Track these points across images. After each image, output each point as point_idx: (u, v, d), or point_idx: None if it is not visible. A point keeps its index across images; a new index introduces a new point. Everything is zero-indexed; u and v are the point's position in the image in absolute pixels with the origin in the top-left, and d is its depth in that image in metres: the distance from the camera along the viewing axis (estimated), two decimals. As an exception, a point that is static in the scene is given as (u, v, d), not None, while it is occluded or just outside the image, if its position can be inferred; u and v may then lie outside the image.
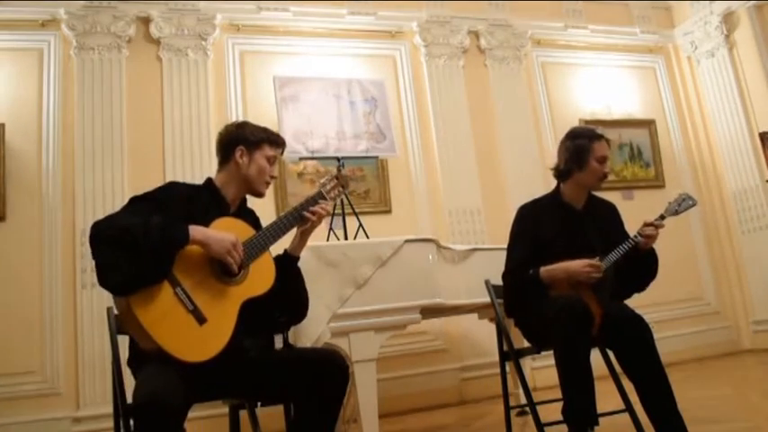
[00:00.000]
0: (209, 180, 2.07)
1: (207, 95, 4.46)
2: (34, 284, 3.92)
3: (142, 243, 1.66)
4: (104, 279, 1.66)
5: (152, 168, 4.22)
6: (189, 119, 4.36)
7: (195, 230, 1.77)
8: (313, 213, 2.02)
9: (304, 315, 2.12)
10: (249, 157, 2.03)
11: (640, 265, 2.47)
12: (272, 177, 2.08)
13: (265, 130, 2.10)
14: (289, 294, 2.05)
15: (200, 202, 1.97)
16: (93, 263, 1.70)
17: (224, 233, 1.81)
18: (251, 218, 2.09)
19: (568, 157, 2.53)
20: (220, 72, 4.61)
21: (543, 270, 2.42)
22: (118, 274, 1.65)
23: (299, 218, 2.02)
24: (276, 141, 2.09)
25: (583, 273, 2.35)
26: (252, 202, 2.18)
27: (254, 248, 1.90)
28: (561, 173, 2.57)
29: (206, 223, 1.85)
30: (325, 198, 2.08)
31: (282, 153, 2.14)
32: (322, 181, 2.13)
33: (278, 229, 1.96)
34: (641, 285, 2.54)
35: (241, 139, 2.04)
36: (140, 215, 1.75)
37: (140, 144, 4.28)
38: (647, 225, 2.40)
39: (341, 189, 2.14)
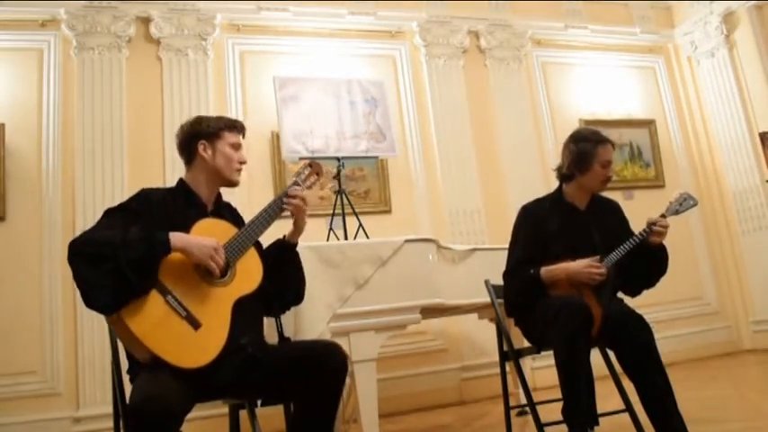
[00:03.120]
0: (181, 181, 2.05)
1: (207, 95, 4.46)
2: (34, 284, 3.92)
3: (123, 256, 1.63)
4: (90, 300, 1.63)
5: (152, 168, 4.23)
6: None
7: (175, 238, 1.74)
8: (292, 199, 2.00)
9: (300, 299, 2.14)
10: (212, 149, 2.01)
11: (652, 261, 2.45)
12: (242, 163, 2.06)
13: (221, 118, 2.09)
14: (286, 280, 2.06)
15: (176, 205, 1.95)
16: (76, 284, 1.65)
17: (204, 238, 1.79)
18: (230, 214, 2.08)
19: (572, 160, 2.51)
20: (220, 72, 4.61)
21: (544, 270, 2.42)
22: (104, 293, 1.62)
23: (279, 210, 2.00)
24: (235, 126, 2.07)
25: (584, 273, 2.34)
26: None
27: (238, 247, 1.89)
28: (564, 175, 2.56)
29: (186, 226, 1.83)
30: (300, 186, 2.08)
31: (244, 136, 2.12)
32: (297, 170, 2.13)
33: (259, 225, 1.94)
34: (650, 281, 2.52)
35: (200, 134, 2.02)
36: (117, 228, 1.73)
37: (140, 144, 4.28)
38: (654, 221, 2.39)
39: (316, 177, 2.14)
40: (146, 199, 1.93)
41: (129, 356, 1.81)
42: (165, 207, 1.91)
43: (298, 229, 2.09)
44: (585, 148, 2.48)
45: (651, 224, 2.38)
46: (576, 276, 2.36)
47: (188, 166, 2.05)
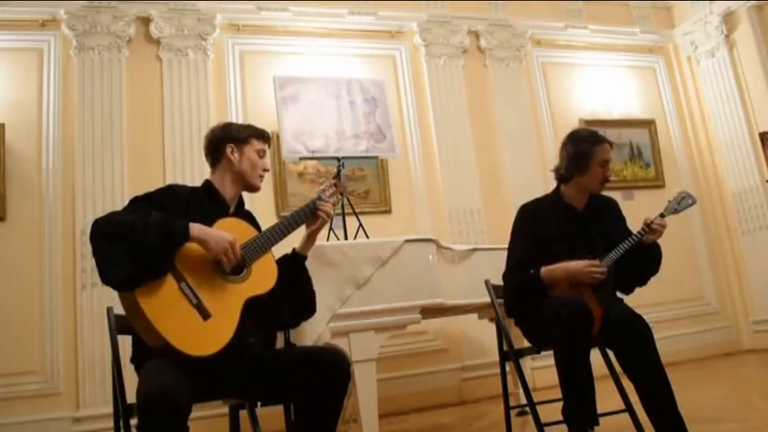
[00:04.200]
0: (207, 182, 2.10)
1: (207, 95, 4.46)
2: (34, 284, 3.92)
3: (142, 238, 1.67)
4: (106, 276, 1.67)
5: (152, 168, 4.23)
6: (189, 119, 4.36)
7: (194, 227, 1.79)
8: (324, 205, 2.09)
9: (312, 313, 2.15)
10: (240, 153, 2.08)
11: (644, 259, 2.46)
12: (265, 170, 2.14)
13: (250, 126, 2.17)
14: (298, 293, 2.08)
15: (200, 203, 2.00)
16: (94, 260, 1.71)
17: (223, 232, 1.83)
18: (249, 219, 2.12)
19: (569, 161, 2.51)
20: (220, 72, 4.61)
21: (544, 270, 2.42)
22: (119, 270, 1.66)
23: (302, 219, 2.06)
24: (262, 135, 2.15)
25: (584, 273, 2.35)
26: (253, 202, 2.20)
27: (257, 249, 1.93)
28: (562, 176, 2.56)
29: (207, 223, 1.87)
30: (323, 202, 2.13)
31: (270, 146, 2.20)
32: (322, 187, 2.18)
33: (279, 232, 1.99)
34: (642, 279, 2.53)
35: (229, 137, 2.10)
36: (144, 212, 1.77)
37: (140, 144, 4.28)
38: (649, 223, 2.39)
39: (339, 196, 2.20)
40: (171, 193, 1.99)
41: (135, 345, 1.84)
42: (188, 203, 1.96)
43: (312, 242, 2.14)
44: (583, 148, 2.48)
45: (649, 223, 2.38)
46: (576, 276, 2.36)
47: (213, 168, 2.12)
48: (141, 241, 1.67)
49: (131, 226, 1.69)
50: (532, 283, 2.43)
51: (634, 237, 2.40)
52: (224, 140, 2.09)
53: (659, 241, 2.45)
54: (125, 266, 1.66)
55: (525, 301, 2.46)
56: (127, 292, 1.70)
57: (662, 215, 2.43)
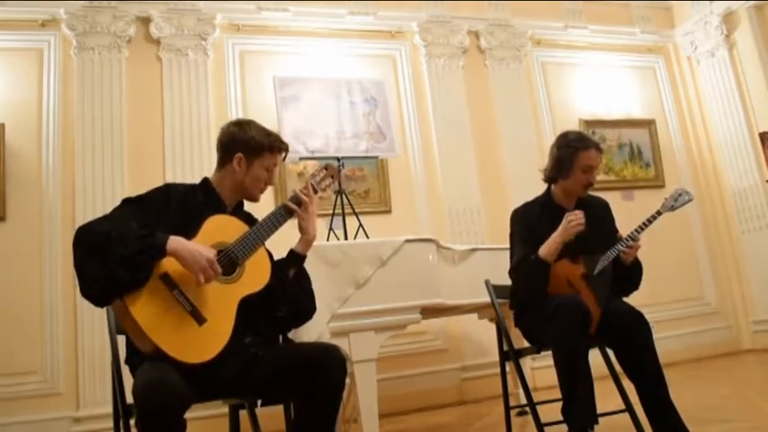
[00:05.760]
0: (205, 179, 2.04)
1: (207, 95, 4.46)
2: (34, 284, 3.92)
3: (117, 251, 1.64)
4: (84, 290, 1.66)
5: (152, 168, 4.23)
6: (189, 119, 4.36)
7: (172, 242, 1.71)
8: (299, 205, 2.00)
9: (310, 315, 2.09)
10: (247, 166, 1.98)
11: (625, 275, 2.47)
12: (268, 184, 2.04)
13: (269, 135, 2.02)
14: (294, 294, 2.03)
15: (196, 202, 1.95)
16: (75, 271, 1.68)
17: (204, 248, 1.75)
18: (248, 221, 2.05)
19: (554, 164, 2.54)
20: (220, 72, 4.61)
21: (540, 249, 2.42)
22: (95, 284, 1.64)
23: (286, 214, 1.98)
24: (279, 148, 2.02)
25: (567, 229, 2.36)
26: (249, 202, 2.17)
27: (248, 245, 1.87)
28: (548, 178, 2.59)
29: (201, 222, 1.84)
30: (316, 190, 2.07)
31: (285, 158, 2.09)
32: (312, 173, 2.12)
33: (270, 225, 1.93)
34: (623, 294, 2.55)
35: (241, 145, 1.98)
36: (126, 220, 1.74)
37: (140, 144, 4.28)
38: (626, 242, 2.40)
39: (331, 180, 2.13)
40: (166, 193, 1.93)
41: (129, 345, 1.81)
42: (184, 203, 1.92)
43: (303, 236, 2.04)
44: (567, 153, 2.49)
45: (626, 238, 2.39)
46: (566, 234, 2.37)
47: (218, 167, 2.03)
48: (116, 254, 1.63)
49: (108, 237, 1.65)
50: (537, 267, 2.42)
51: (632, 234, 2.41)
52: (236, 146, 1.97)
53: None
54: (100, 281, 1.63)
55: (536, 288, 2.44)
56: (102, 306, 1.68)
57: (659, 212, 2.44)
